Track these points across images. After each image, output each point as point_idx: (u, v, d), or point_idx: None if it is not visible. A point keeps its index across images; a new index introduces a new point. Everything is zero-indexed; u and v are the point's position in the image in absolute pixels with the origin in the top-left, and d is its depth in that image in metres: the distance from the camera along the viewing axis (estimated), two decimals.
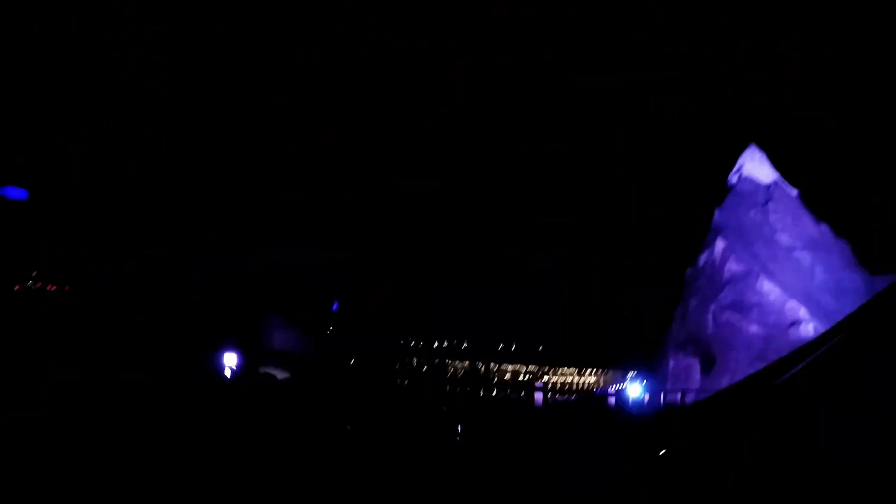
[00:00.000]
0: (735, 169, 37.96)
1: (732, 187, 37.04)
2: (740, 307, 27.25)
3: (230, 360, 25.04)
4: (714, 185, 36.18)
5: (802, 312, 26.37)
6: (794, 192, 38.55)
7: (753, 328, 26.03)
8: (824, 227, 36.95)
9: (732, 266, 29.65)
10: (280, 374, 27.73)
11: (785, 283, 30.79)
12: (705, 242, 33.96)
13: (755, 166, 38.00)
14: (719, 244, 31.55)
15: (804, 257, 33.83)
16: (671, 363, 27.25)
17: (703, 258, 33.04)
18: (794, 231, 35.35)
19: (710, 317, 28.10)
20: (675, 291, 34.53)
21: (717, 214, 34.16)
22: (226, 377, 24.01)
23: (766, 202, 35.92)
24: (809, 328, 25.08)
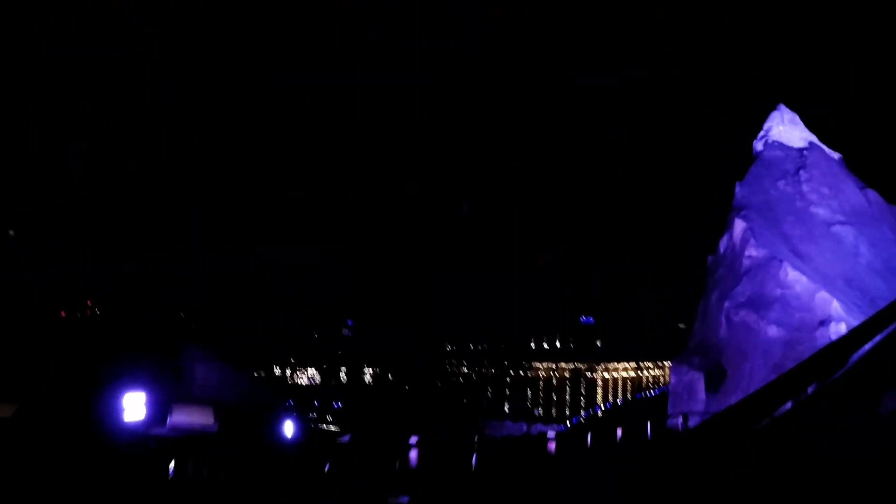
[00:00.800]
0: (761, 134, 32.74)
1: (758, 155, 31.91)
2: (758, 304, 22.42)
3: (134, 402, 20.56)
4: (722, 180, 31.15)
5: (835, 307, 21.41)
6: (835, 155, 33.10)
7: (772, 331, 21.22)
8: (872, 194, 31.41)
9: (752, 252, 24.82)
10: (200, 422, 23.55)
11: (819, 267, 25.81)
12: (726, 224, 29.06)
13: (785, 129, 32.71)
14: (738, 225, 26.70)
15: (846, 232, 28.61)
16: (672, 378, 22.64)
17: (723, 243, 28.24)
18: (833, 202, 30.05)
19: (723, 317, 23.45)
20: (675, 290, 30.02)
21: (738, 189, 29.13)
22: (126, 427, 19.84)
23: (799, 170, 30.71)
24: (842, 328, 20.18)
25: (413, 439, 17.84)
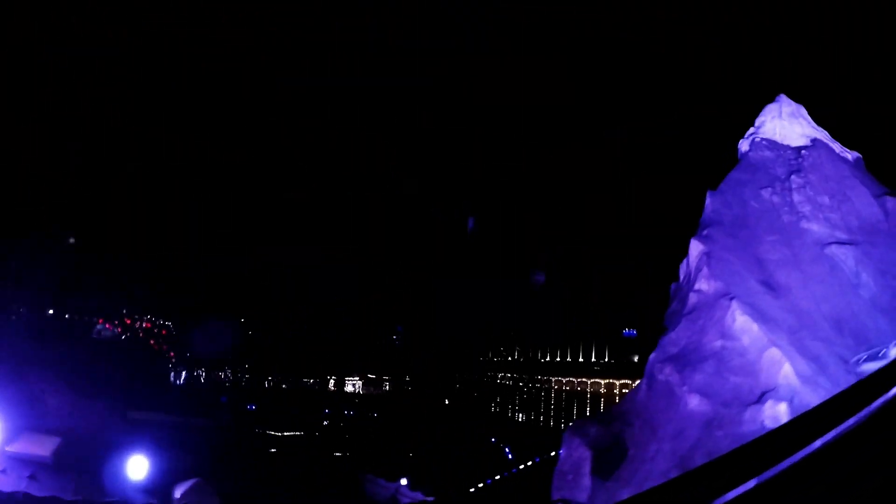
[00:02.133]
0: (750, 131, 26.77)
1: (742, 157, 26.06)
2: (687, 360, 17.02)
3: None
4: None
5: (786, 373, 15.71)
6: (849, 156, 26.79)
7: (693, 402, 15.79)
8: (892, 203, 25.10)
9: (702, 285, 19.35)
10: (38, 453, 20.28)
11: (798, 304, 20.05)
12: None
13: (783, 124, 26.63)
14: (694, 249, 21.20)
15: (845, 255, 22.55)
16: (562, 451, 17.28)
17: (682, 269, 22.78)
18: (834, 215, 23.95)
19: (646, 374, 18.20)
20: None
21: (708, 201, 23.49)
22: None
23: (790, 174, 24.76)
24: (780, 410, 14.59)
25: None
